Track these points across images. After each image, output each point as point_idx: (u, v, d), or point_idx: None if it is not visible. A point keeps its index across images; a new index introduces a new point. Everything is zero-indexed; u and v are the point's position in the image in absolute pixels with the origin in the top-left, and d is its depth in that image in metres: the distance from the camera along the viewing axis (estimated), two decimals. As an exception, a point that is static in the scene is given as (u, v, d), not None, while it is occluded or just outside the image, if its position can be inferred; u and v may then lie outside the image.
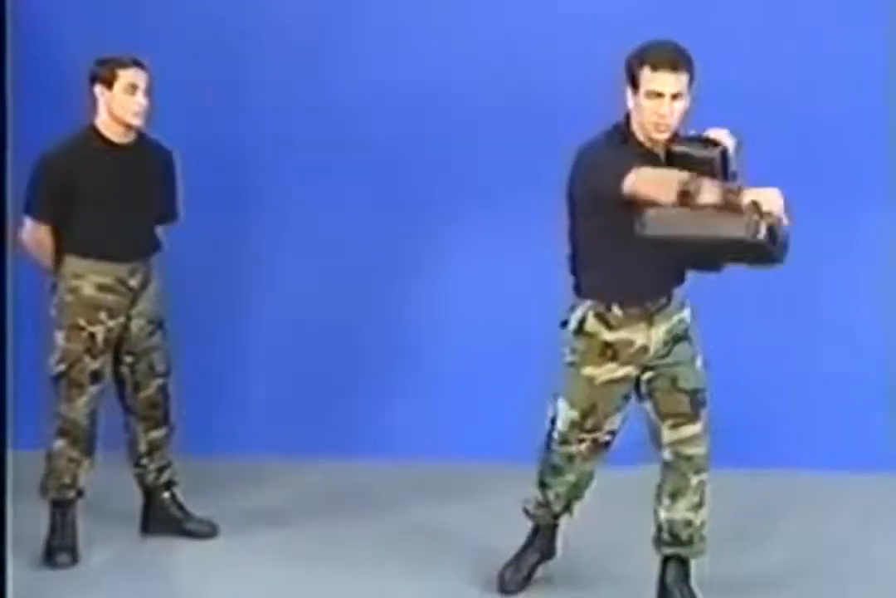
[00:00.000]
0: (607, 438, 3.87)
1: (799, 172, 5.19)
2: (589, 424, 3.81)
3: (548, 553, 4.18)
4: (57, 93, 5.33)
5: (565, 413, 3.84)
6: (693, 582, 3.90)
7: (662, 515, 3.83)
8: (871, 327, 5.25)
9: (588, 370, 3.75)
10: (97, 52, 5.26)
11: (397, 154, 5.36)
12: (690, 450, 3.80)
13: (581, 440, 3.85)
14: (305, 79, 5.40)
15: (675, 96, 3.49)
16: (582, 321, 3.75)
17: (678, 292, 3.79)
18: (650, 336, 3.73)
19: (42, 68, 5.35)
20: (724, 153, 3.55)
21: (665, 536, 3.84)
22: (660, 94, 3.48)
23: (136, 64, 4.22)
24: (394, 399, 5.46)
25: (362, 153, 5.37)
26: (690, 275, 3.91)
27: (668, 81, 3.47)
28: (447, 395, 5.36)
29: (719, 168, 3.53)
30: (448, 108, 5.31)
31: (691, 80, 3.53)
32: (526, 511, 4.14)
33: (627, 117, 3.66)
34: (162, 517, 4.54)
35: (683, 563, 3.85)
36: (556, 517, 4.13)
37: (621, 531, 4.32)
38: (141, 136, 4.32)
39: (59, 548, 4.29)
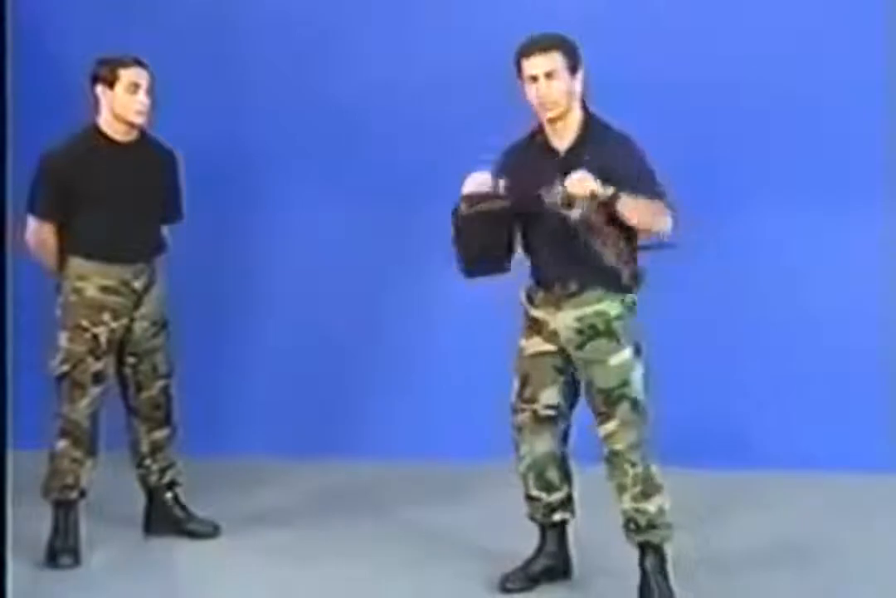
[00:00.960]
0: (548, 412, 3.98)
1: (798, 171, 5.23)
2: (527, 393, 4.00)
3: (559, 564, 4.16)
4: (57, 93, 5.35)
5: (513, 383, 4.05)
6: (669, 566, 3.95)
7: (620, 506, 3.95)
8: (870, 327, 5.26)
9: (521, 342, 4.01)
10: (97, 52, 5.26)
11: (397, 154, 5.37)
12: (614, 446, 3.90)
13: (522, 410, 4.02)
14: (305, 79, 5.42)
15: (548, 75, 3.76)
16: (521, 296, 4.02)
17: (596, 284, 3.85)
18: (557, 320, 3.89)
19: (42, 68, 5.35)
20: None
21: (629, 525, 3.95)
22: (535, 78, 3.78)
23: (138, 63, 4.23)
24: (393, 400, 5.47)
25: (362, 153, 5.38)
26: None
27: (537, 63, 3.76)
28: (446, 395, 5.37)
29: None
30: (448, 106, 5.31)
31: (572, 60, 3.79)
32: (528, 514, 4.16)
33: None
34: (164, 518, 4.54)
35: (656, 549, 3.93)
36: (551, 511, 4.11)
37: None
38: (143, 135, 4.32)
39: (62, 549, 4.29)
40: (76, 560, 4.29)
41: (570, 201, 3.67)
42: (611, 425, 3.89)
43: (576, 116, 3.86)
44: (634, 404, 3.87)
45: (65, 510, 4.33)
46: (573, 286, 3.86)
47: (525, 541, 4.28)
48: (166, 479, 4.53)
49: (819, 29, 5.16)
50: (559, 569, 4.16)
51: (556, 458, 4.06)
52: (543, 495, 4.09)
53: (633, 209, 3.69)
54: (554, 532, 4.15)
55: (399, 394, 5.45)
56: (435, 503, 4.78)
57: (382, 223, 5.43)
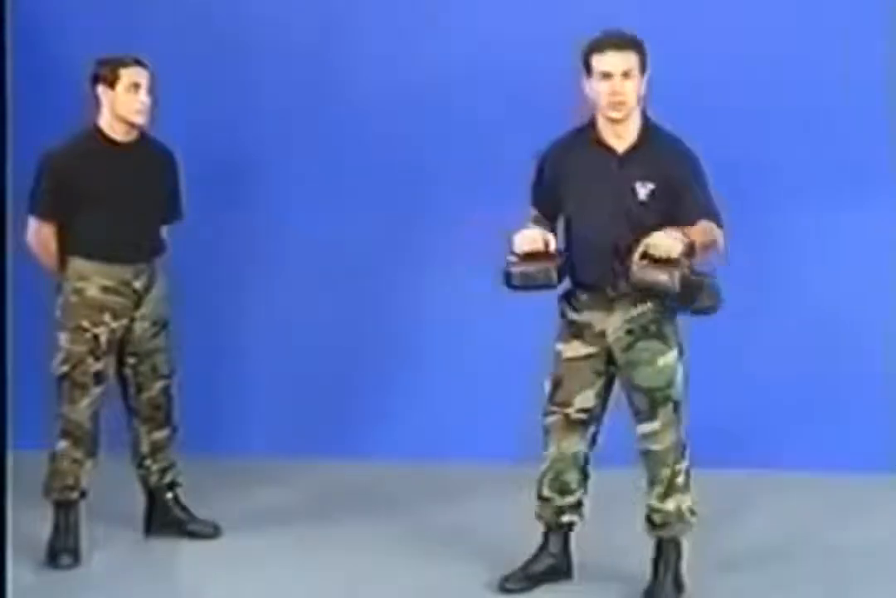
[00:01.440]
0: (580, 416, 3.99)
1: (806, 168, 5.23)
2: (559, 396, 3.98)
3: (560, 566, 4.15)
4: (57, 93, 5.34)
5: (545, 386, 4.04)
6: (683, 563, 4.00)
7: (646, 501, 4.01)
8: (872, 327, 5.25)
9: (558, 346, 4.00)
10: (97, 52, 5.26)
11: (398, 154, 5.37)
12: (651, 446, 3.94)
13: (553, 413, 4.01)
14: (306, 79, 5.41)
15: (625, 74, 3.73)
16: (559, 302, 4.00)
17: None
18: (607, 321, 3.89)
19: (42, 68, 5.35)
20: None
21: (647, 521, 4.01)
22: (608, 75, 3.74)
23: (138, 63, 4.22)
24: (396, 400, 5.46)
25: (363, 153, 5.37)
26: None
27: (613, 62, 3.72)
28: (449, 395, 5.37)
29: None
30: (449, 108, 5.31)
31: (643, 61, 3.78)
32: (536, 513, 4.16)
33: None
34: (165, 519, 4.54)
35: (669, 545, 3.98)
36: (561, 513, 4.11)
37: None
38: (143, 135, 4.31)
39: (62, 549, 4.28)
40: (76, 560, 4.28)
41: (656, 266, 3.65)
42: (652, 426, 3.91)
43: (636, 118, 3.86)
44: (676, 405, 3.90)
45: (65, 510, 4.33)
46: (623, 286, 3.83)
47: (525, 541, 4.28)
48: (167, 479, 4.52)
49: (836, 26, 5.16)
50: (561, 570, 4.15)
51: (579, 461, 4.05)
52: (556, 498, 4.08)
53: (702, 248, 3.73)
54: (559, 534, 4.15)
55: (399, 394, 5.44)
56: (435, 503, 4.78)
57: (384, 223, 5.42)
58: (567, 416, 3.99)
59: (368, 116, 5.35)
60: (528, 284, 3.84)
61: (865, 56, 5.12)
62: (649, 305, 3.85)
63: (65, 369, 4.27)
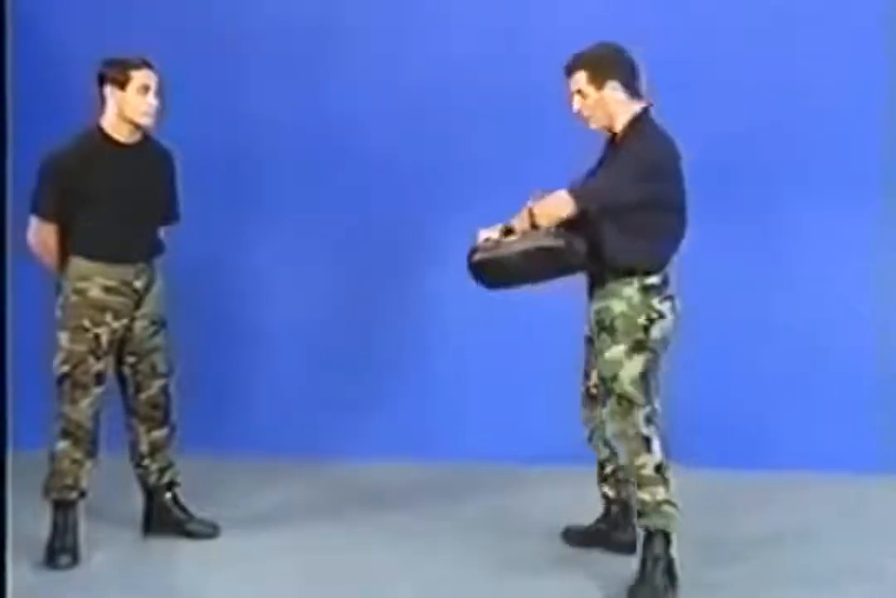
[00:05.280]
0: (592, 390, 4.28)
1: (801, 168, 5.24)
2: (583, 372, 4.32)
3: (619, 534, 4.36)
4: (56, 92, 5.36)
5: None
6: (673, 556, 4.03)
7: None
8: (869, 327, 5.27)
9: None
10: (96, 52, 5.25)
11: (397, 155, 5.38)
12: (605, 432, 4.16)
13: (582, 385, 4.34)
14: (303, 82, 5.42)
15: (578, 92, 4.08)
16: None
17: (609, 281, 4.02)
18: (590, 309, 4.14)
19: (42, 68, 5.36)
20: None
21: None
22: (571, 95, 4.10)
23: (147, 65, 4.22)
24: (400, 400, 5.47)
25: (360, 156, 5.38)
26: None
27: (569, 84, 4.10)
28: (453, 396, 5.37)
29: None
30: (447, 110, 5.32)
31: (595, 74, 4.03)
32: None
33: None
34: (164, 518, 4.54)
35: (654, 536, 4.04)
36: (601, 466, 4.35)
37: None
38: (144, 135, 4.31)
39: (61, 549, 4.28)
40: (75, 560, 4.28)
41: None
42: (604, 412, 4.12)
43: (623, 119, 4.04)
44: (619, 398, 4.02)
45: (64, 510, 4.33)
46: (597, 279, 4.06)
47: (527, 541, 4.29)
48: (165, 479, 4.53)
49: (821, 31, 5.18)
50: (619, 540, 4.35)
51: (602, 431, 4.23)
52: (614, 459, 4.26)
53: (540, 215, 3.96)
54: (608, 499, 4.39)
55: (400, 394, 5.45)
56: (435, 503, 4.77)
57: (382, 226, 5.43)
58: (587, 389, 4.30)
59: (366, 118, 5.36)
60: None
61: (862, 59, 5.16)
62: (608, 300, 4.01)
63: (65, 369, 4.27)
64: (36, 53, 5.31)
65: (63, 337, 4.27)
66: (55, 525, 4.32)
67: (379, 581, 4.17)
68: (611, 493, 4.37)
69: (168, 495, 4.54)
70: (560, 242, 3.90)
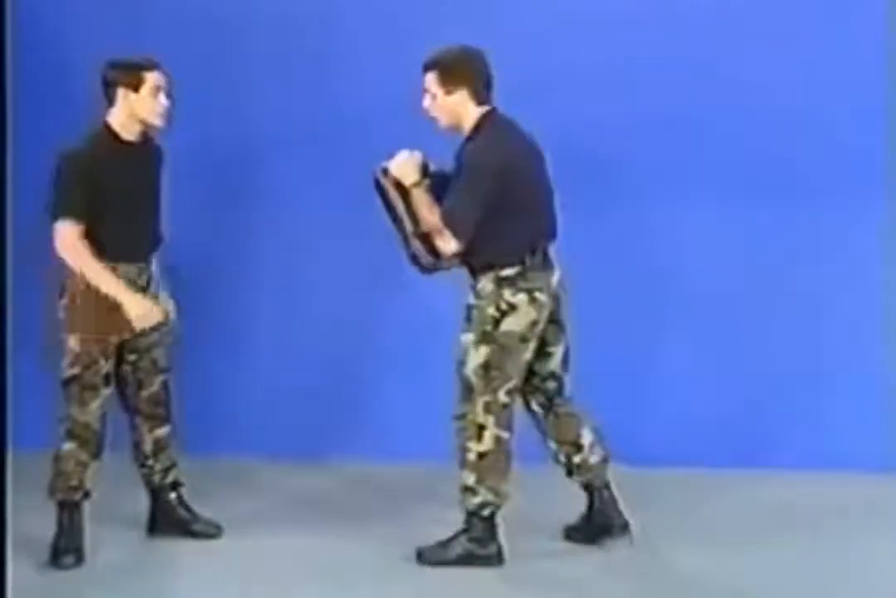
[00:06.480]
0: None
1: (798, 172, 5.25)
2: None
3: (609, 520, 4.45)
4: (57, 91, 5.35)
5: None
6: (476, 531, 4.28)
7: None
8: (871, 327, 5.27)
9: None
10: (97, 52, 5.24)
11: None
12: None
13: None
14: (307, 78, 5.42)
15: (427, 92, 4.24)
16: None
17: (475, 274, 4.26)
18: None
19: (42, 68, 5.35)
20: None
21: None
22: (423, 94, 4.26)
23: (157, 66, 4.24)
24: (394, 400, 5.48)
25: (364, 155, 5.36)
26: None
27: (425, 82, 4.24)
28: (448, 396, 5.35)
29: None
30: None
31: (443, 78, 4.18)
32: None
33: None
34: (168, 518, 4.55)
35: (469, 517, 4.31)
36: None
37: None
38: (144, 135, 4.32)
39: (65, 549, 4.28)
40: (79, 560, 4.28)
41: None
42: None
43: (468, 123, 4.22)
44: (464, 383, 4.23)
45: (69, 510, 4.33)
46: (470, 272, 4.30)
47: (529, 541, 4.29)
48: (169, 479, 4.54)
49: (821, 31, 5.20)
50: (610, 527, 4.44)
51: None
52: None
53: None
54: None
55: (400, 394, 5.45)
56: (437, 503, 4.76)
57: (381, 224, 5.40)
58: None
59: (367, 117, 5.35)
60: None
61: (863, 55, 5.16)
62: (472, 293, 4.24)
63: (75, 371, 4.25)
64: (36, 53, 5.30)
65: (72, 339, 4.24)
66: (60, 525, 4.32)
67: (382, 580, 4.17)
68: (583, 481, 4.45)
69: (172, 494, 4.54)
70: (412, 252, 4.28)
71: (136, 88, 4.19)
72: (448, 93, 4.18)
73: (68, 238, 4.14)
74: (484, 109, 4.20)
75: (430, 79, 4.20)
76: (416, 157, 4.21)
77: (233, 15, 5.41)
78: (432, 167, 4.24)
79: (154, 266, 4.41)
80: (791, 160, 5.24)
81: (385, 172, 4.22)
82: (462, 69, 4.18)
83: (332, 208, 5.43)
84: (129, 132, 4.25)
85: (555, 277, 4.26)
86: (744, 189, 5.27)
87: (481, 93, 4.19)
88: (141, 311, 4.20)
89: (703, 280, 5.30)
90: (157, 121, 4.24)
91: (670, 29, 5.22)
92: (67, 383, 4.27)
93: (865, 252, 5.26)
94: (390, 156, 4.26)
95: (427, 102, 4.23)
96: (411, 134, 5.34)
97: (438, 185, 4.19)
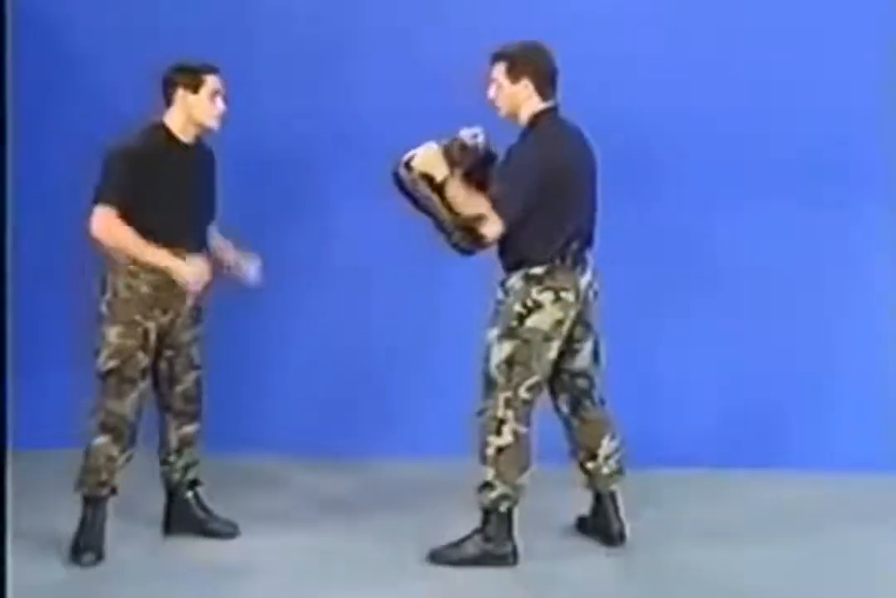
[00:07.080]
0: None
1: (799, 173, 5.32)
2: None
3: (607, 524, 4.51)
4: (58, 91, 5.31)
5: None
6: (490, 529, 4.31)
7: None
8: (872, 328, 5.35)
9: None
10: (97, 52, 5.24)
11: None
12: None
13: None
14: (307, 82, 5.42)
15: (494, 82, 4.35)
16: None
17: (511, 274, 4.33)
18: None
19: (43, 68, 5.30)
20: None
21: None
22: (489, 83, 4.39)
23: (216, 70, 4.29)
24: (415, 400, 5.46)
25: (379, 153, 5.37)
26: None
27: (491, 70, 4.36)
28: (468, 395, 5.35)
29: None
30: (452, 112, 5.32)
31: (510, 67, 4.29)
32: None
33: None
34: (185, 517, 4.52)
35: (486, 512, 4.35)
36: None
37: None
38: (197, 137, 4.35)
39: (86, 546, 4.24)
40: (99, 558, 4.25)
41: None
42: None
43: (525, 116, 4.31)
44: (486, 379, 4.30)
45: (94, 506, 4.28)
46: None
47: (533, 541, 4.30)
48: (189, 476, 4.51)
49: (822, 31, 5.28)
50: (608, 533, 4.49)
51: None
52: None
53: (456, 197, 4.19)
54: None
55: (420, 395, 5.43)
56: (453, 502, 4.70)
57: (401, 226, 5.38)
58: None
59: (382, 114, 5.36)
60: None
61: (863, 56, 5.25)
62: (502, 287, 4.32)
63: (114, 363, 4.22)
64: (36, 53, 5.25)
65: (112, 332, 4.22)
66: (83, 521, 4.28)
67: (396, 582, 4.16)
68: (589, 485, 4.53)
69: (190, 493, 4.52)
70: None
71: (195, 90, 4.24)
72: (513, 82, 4.28)
73: (103, 220, 4.14)
74: (546, 104, 4.29)
75: (497, 69, 4.30)
76: (436, 149, 4.22)
77: (236, 14, 5.41)
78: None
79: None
80: (795, 159, 5.32)
81: (407, 165, 4.22)
82: (528, 61, 4.28)
83: (349, 210, 5.43)
84: (185, 133, 4.29)
85: (584, 279, 4.29)
86: (739, 192, 5.35)
87: (545, 88, 4.28)
88: (192, 270, 4.21)
89: (703, 281, 5.38)
90: (212, 123, 4.29)
91: (673, 27, 5.29)
92: (106, 375, 4.23)
93: (867, 252, 5.33)
94: (405, 151, 4.27)
95: (492, 91, 4.32)
96: (417, 137, 5.39)
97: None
